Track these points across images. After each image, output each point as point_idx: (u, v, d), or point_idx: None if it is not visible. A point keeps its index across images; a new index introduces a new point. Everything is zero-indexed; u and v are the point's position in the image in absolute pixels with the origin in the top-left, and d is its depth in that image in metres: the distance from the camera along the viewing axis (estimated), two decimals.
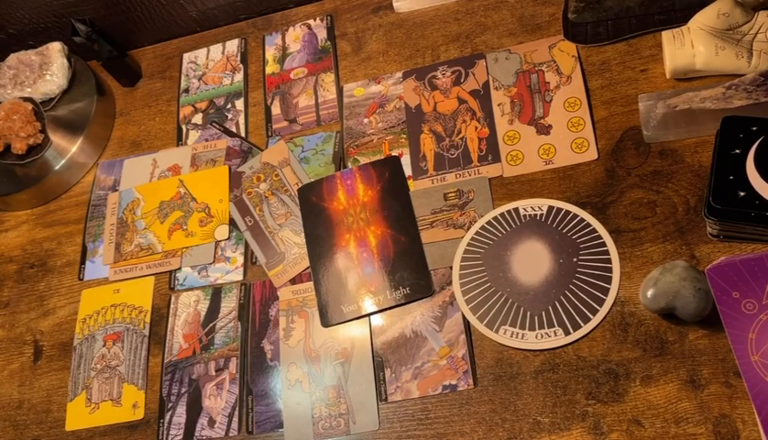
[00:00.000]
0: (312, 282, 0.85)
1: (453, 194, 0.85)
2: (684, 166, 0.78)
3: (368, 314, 0.81)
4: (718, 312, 0.66)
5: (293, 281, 0.86)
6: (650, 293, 0.68)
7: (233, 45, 1.07)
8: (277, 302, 0.85)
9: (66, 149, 1.02)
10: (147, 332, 0.89)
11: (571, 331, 0.73)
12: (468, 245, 0.81)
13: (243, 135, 0.99)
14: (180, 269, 0.91)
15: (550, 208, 0.80)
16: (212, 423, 0.80)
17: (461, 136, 0.88)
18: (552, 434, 0.70)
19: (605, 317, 0.73)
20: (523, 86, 0.89)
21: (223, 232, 0.92)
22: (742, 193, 0.69)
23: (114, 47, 1.06)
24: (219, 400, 0.82)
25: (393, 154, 0.90)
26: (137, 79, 1.10)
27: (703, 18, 0.80)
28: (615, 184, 0.80)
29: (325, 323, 0.82)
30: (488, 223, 0.82)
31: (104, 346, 0.89)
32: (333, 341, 0.81)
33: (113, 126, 1.07)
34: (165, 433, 0.82)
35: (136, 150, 1.04)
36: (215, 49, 1.08)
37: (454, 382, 0.75)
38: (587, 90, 0.86)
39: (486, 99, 0.90)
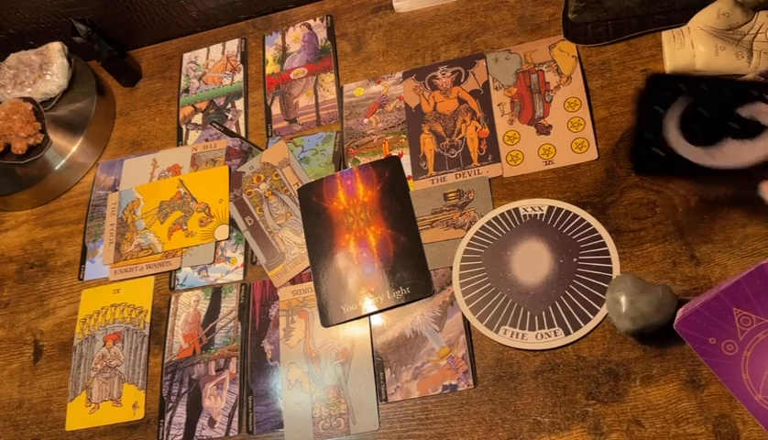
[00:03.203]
0: (312, 282, 0.85)
1: (453, 194, 0.85)
2: None
3: (368, 314, 0.81)
4: (706, 363, 0.65)
5: (293, 281, 0.86)
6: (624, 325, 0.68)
7: (233, 45, 1.07)
8: (277, 301, 0.85)
9: (66, 149, 1.02)
10: (147, 332, 0.89)
11: (571, 331, 0.73)
12: (468, 245, 0.81)
13: (243, 135, 0.99)
14: (180, 269, 0.91)
15: (550, 208, 0.80)
16: (212, 422, 0.80)
17: (461, 136, 0.88)
18: (552, 434, 0.70)
19: (605, 317, 0.73)
20: (523, 86, 0.89)
21: (223, 232, 0.92)
22: (658, 150, 0.68)
23: (114, 47, 1.06)
24: (219, 400, 0.82)
25: (393, 154, 0.90)
26: (137, 79, 1.10)
27: (703, 18, 0.80)
28: (615, 184, 0.80)
29: (325, 323, 0.82)
30: (488, 223, 0.82)
31: (104, 346, 0.89)
32: (333, 341, 0.81)
33: (113, 126, 1.07)
34: (165, 433, 0.82)
35: (136, 150, 1.04)
36: (215, 49, 1.08)
37: (454, 382, 0.75)
38: (587, 90, 0.86)
39: (486, 99, 0.90)
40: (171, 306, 0.89)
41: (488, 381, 0.74)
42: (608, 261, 0.75)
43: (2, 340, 0.94)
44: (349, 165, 0.91)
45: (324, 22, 1.04)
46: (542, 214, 0.80)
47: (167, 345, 0.87)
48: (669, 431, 0.67)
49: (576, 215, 0.79)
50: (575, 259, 0.77)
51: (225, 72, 1.05)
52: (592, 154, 0.82)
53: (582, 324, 0.73)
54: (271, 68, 1.03)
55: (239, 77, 1.04)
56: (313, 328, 0.82)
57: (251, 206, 0.92)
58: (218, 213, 0.93)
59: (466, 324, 0.77)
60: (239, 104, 1.02)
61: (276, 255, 0.88)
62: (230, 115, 1.01)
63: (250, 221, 0.91)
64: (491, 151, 0.86)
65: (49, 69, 1.05)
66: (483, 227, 0.82)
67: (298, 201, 0.90)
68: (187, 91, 1.06)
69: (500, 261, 0.79)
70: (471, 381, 0.75)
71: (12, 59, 1.08)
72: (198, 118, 1.03)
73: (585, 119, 0.84)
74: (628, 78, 0.85)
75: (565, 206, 0.80)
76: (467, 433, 0.73)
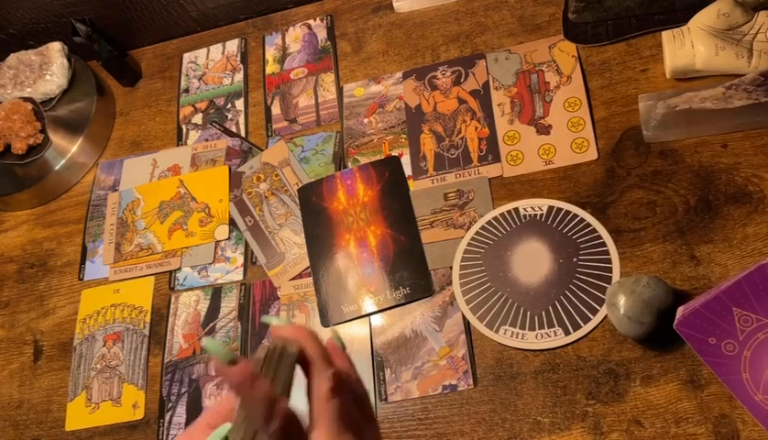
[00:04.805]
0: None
1: (453, 194, 0.85)
2: (684, 166, 0.78)
3: (368, 314, 0.81)
4: (706, 363, 0.65)
5: (294, 280, 0.86)
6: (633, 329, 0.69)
7: (233, 45, 1.07)
8: (277, 301, 0.85)
9: (66, 149, 1.02)
10: (147, 332, 0.89)
11: (571, 331, 0.73)
12: (468, 245, 0.81)
13: (243, 135, 0.99)
14: (180, 269, 0.91)
15: (550, 208, 0.80)
16: None
17: (461, 136, 0.88)
18: (552, 434, 0.70)
19: (605, 317, 0.73)
20: (523, 86, 0.89)
21: (223, 232, 0.92)
22: None
23: (114, 47, 1.06)
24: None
25: (393, 154, 0.90)
26: (137, 79, 1.10)
27: (703, 18, 0.80)
28: (615, 184, 0.80)
29: (325, 323, 0.82)
30: (488, 223, 0.82)
31: (104, 345, 0.89)
32: (332, 335, 0.81)
33: (113, 126, 1.07)
34: (165, 433, 0.82)
35: (136, 150, 1.04)
36: (215, 49, 1.08)
37: (454, 382, 0.75)
38: (587, 90, 0.86)
39: (486, 99, 0.90)
40: (171, 306, 0.89)
41: (488, 381, 0.74)
42: (608, 261, 0.75)
43: (2, 340, 0.94)
44: (349, 165, 0.91)
45: (324, 22, 1.04)
46: (542, 214, 0.80)
47: (167, 345, 0.87)
48: (669, 431, 0.67)
49: (576, 215, 0.79)
50: (575, 259, 0.77)
51: (225, 72, 1.05)
52: (592, 154, 0.82)
53: (582, 324, 0.73)
54: (271, 68, 1.03)
55: (239, 77, 1.04)
56: (313, 323, 0.82)
57: (251, 206, 0.92)
58: (218, 213, 0.93)
59: (466, 323, 0.77)
60: (239, 104, 1.02)
61: (276, 255, 0.88)
62: (230, 115, 1.01)
63: (250, 221, 0.91)
64: (491, 151, 0.86)
65: (49, 69, 1.05)
66: (483, 227, 0.82)
67: (298, 201, 0.90)
68: (187, 91, 1.06)
69: (500, 261, 0.79)
70: (471, 381, 0.75)
71: (12, 59, 1.08)
72: (198, 118, 1.03)
73: (585, 119, 0.84)
74: (628, 78, 0.85)
75: (565, 206, 0.80)
76: (467, 433, 0.73)
